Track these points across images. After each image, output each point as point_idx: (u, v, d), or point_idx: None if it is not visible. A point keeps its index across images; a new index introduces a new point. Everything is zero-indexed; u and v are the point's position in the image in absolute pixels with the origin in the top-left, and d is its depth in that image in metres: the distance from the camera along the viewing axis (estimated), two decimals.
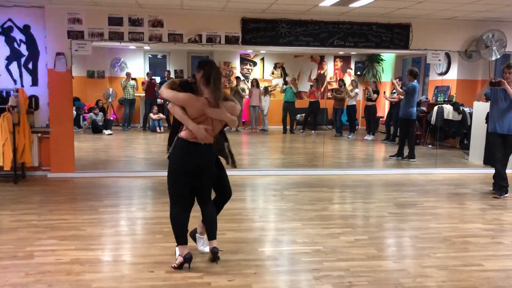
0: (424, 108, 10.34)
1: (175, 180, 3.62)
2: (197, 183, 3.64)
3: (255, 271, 3.60)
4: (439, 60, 7.83)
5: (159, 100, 12.60)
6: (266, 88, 12.95)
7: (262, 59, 13.83)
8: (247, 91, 12.95)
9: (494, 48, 7.80)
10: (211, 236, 3.72)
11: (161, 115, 12.25)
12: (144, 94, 12.49)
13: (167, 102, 3.71)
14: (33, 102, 6.83)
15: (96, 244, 4.15)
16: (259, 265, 3.72)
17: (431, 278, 3.54)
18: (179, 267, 3.56)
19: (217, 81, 3.41)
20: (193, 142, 3.49)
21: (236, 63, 13.63)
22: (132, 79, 12.54)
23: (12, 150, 6.37)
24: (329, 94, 13.23)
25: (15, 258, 3.77)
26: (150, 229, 4.57)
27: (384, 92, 12.42)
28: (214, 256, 3.67)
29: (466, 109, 9.21)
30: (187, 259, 3.55)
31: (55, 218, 4.83)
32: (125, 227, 4.73)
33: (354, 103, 11.86)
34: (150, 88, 12.35)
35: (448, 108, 9.39)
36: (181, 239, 3.61)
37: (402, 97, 8.74)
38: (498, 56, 7.96)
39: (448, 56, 8.56)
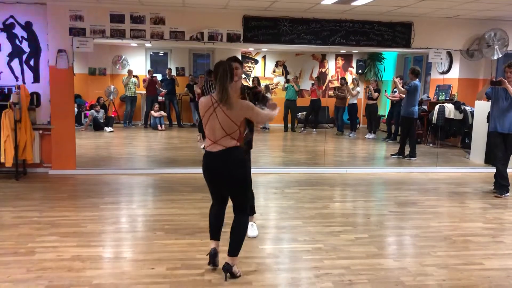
0: (426, 107, 10.33)
1: (205, 180, 3.52)
2: (222, 189, 3.51)
3: (255, 268, 3.61)
4: (441, 59, 7.83)
5: (160, 98, 12.61)
6: (267, 86, 12.92)
7: (264, 57, 13.82)
8: None
9: (496, 47, 7.79)
10: (228, 251, 3.44)
11: (162, 113, 12.25)
12: (146, 92, 12.49)
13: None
14: (34, 99, 6.85)
15: (97, 241, 4.16)
16: (259, 263, 3.72)
17: (431, 276, 3.54)
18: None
19: (221, 79, 3.26)
20: (207, 151, 3.41)
21: None
22: (134, 76, 12.54)
23: (14, 147, 6.39)
24: (330, 92, 13.22)
25: (17, 254, 3.78)
26: (151, 226, 4.57)
27: (385, 90, 12.41)
28: (224, 272, 3.38)
29: (468, 108, 9.20)
30: (210, 255, 3.51)
31: (56, 215, 4.85)
32: (126, 224, 4.74)
33: (355, 101, 11.85)
34: (152, 85, 12.36)
35: (449, 107, 9.38)
36: (210, 233, 3.60)
37: (403, 95, 8.73)
38: (500, 55, 7.95)
39: (450, 55, 8.54)
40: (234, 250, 3.41)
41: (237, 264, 3.46)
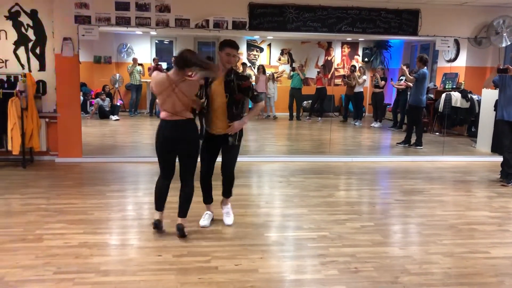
0: (432, 95, 10.26)
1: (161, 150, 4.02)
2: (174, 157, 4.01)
3: (261, 256, 3.63)
4: (448, 46, 7.75)
5: None
6: (272, 75, 12.84)
7: (269, 45, 13.74)
8: (253, 78, 12.88)
9: (505, 34, 7.70)
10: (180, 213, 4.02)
11: None
12: (151, 80, 12.47)
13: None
14: (40, 87, 6.86)
15: (103, 228, 4.19)
16: (265, 250, 3.74)
17: (436, 264, 3.55)
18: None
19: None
20: (166, 120, 3.92)
21: (243, 49, 13.54)
22: (139, 64, 12.52)
23: (21, 135, 6.42)
24: (336, 80, 13.15)
25: (25, 241, 3.82)
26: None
27: (391, 79, 12.33)
28: (179, 231, 3.95)
29: (475, 97, 9.14)
30: (156, 225, 4.02)
31: (63, 202, 4.89)
32: (132, 211, 4.77)
33: (361, 90, 11.79)
34: None
35: (456, 96, 9.32)
36: (156, 205, 4.09)
37: (410, 84, 8.67)
38: (509, 43, 7.86)
39: (457, 42, 8.46)
40: (185, 212, 4.00)
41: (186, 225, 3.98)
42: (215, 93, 3.97)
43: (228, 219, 4.33)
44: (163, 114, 3.91)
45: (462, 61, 9.47)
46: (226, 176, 4.26)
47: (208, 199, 4.37)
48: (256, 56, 13.74)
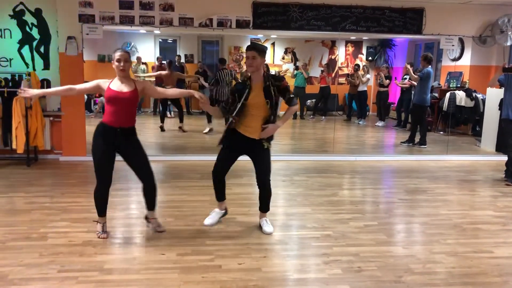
0: (436, 94, 10.23)
1: None
2: None
3: (264, 255, 3.63)
4: (453, 45, 7.72)
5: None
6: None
7: (273, 44, 13.72)
8: None
9: (510, 33, 7.67)
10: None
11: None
12: (154, 79, 12.49)
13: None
14: (45, 86, 6.88)
15: (107, 226, 4.16)
16: (268, 249, 3.74)
17: (440, 264, 3.54)
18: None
19: None
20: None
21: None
22: (143, 63, 12.55)
23: (25, 134, 6.44)
24: (340, 79, 13.12)
25: (29, 239, 3.84)
26: (161, 213, 4.59)
27: (396, 77, 12.30)
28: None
29: (479, 96, 9.10)
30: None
31: (67, 201, 4.90)
32: (136, 210, 4.77)
33: (365, 88, 11.77)
34: None
35: (460, 95, 9.28)
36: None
37: (415, 83, 8.64)
38: None
39: (461, 41, 8.43)
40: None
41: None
42: (254, 102, 3.86)
43: (268, 228, 4.14)
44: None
45: (466, 60, 9.43)
46: (264, 187, 4.12)
47: (220, 197, 4.31)
48: None
